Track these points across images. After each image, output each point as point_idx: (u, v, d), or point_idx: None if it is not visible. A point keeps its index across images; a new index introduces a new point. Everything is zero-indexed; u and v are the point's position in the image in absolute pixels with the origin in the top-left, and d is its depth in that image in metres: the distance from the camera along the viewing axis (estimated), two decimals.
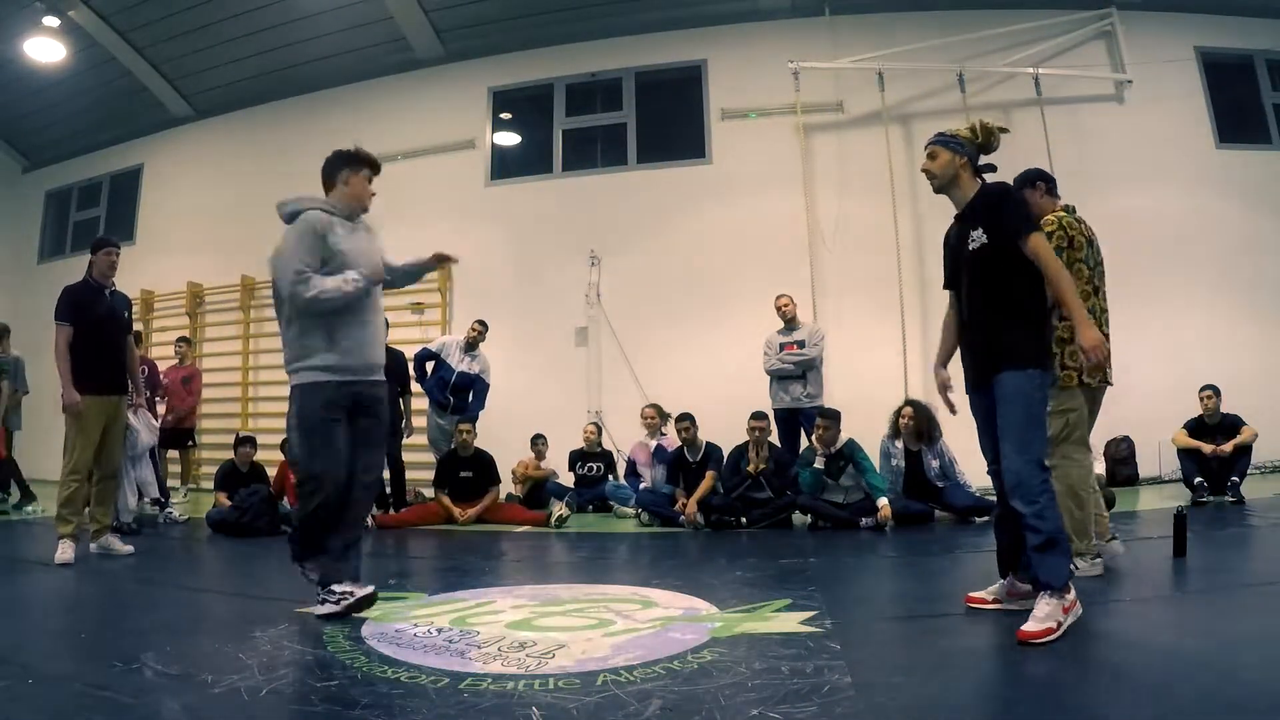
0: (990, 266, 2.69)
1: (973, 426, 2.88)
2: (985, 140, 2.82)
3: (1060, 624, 2.41)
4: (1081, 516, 3.30)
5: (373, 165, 3.22)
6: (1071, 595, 2.50)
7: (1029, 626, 2.39)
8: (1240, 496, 5.61)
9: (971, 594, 2.91)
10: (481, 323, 6.95)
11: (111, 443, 4.65)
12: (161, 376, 7.61)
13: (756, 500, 5.64)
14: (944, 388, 2.99)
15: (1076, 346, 2.62)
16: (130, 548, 4.62)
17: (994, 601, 2.83)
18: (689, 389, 7.12)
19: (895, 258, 7.54)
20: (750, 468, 5.67)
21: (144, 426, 5.76)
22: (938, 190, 2.86)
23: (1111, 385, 3.50)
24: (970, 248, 2.72)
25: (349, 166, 3.18)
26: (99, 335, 4.53)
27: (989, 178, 2.83)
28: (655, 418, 6.56)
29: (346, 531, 3.12)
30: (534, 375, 8.23)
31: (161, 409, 7.41)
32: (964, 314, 2.84)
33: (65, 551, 4.29)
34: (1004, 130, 2.86)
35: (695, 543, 5.10)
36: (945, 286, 3.02)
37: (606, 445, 7.30)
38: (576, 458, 7.00)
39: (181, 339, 8.32)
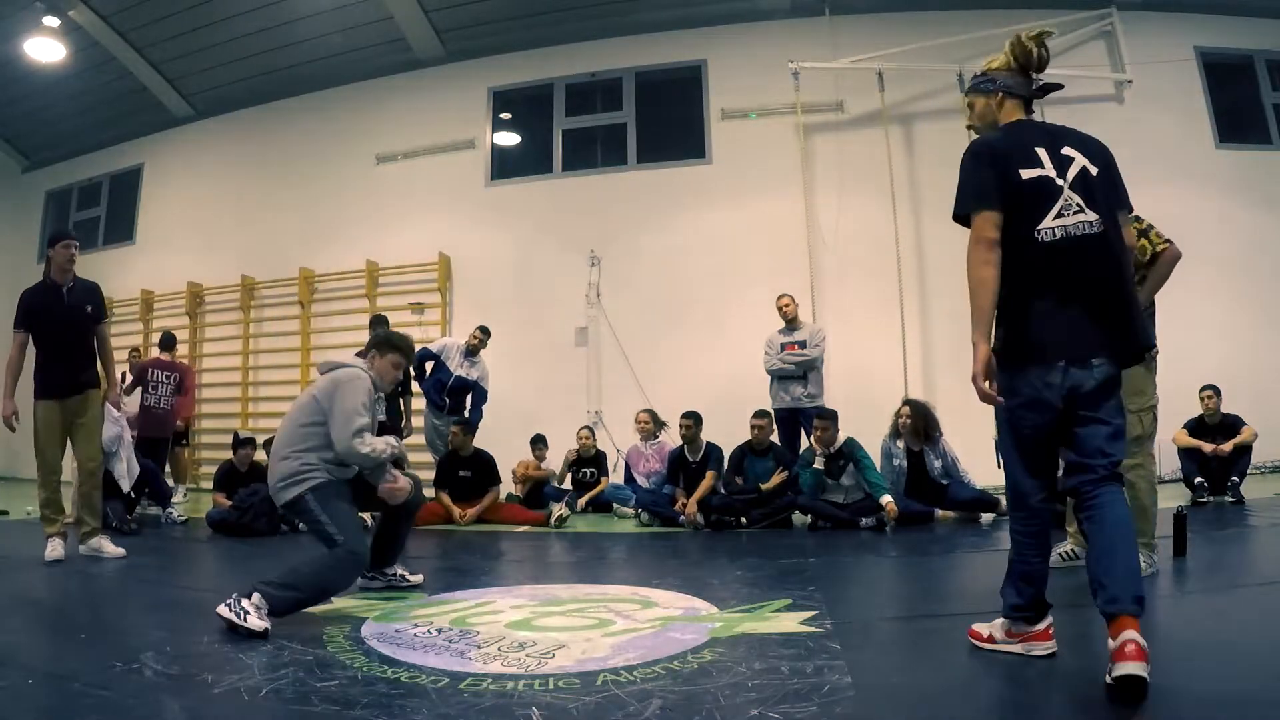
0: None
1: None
2: (1024, 59, 2.32)
3: (998, 645, 2.31)
4: (1155, 512, 3.33)
5: (404, 354, 3.53)
6: (1034, 629, 2.26)
7: (977, 625, 2.40)
8: (1240, 496, 5.61)
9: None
10: (483, 329, 6.93)
11: (84, 442, 4.54)
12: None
13: (757, 500, 5.63)
14: None
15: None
16: (121, 550, 4.51)
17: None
18: (689, 389, 7.13)
19: (895, 257, 7.54)
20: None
21: (107, 420, 5.36)
22: None
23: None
24: None
25: (378, 349, 3.51)
26: (58, 337, 4.43)
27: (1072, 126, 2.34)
28: (649, 423, 6.55)
29: None
30: (534, 375, 8.24)
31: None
32: None
33: (55, 549, 4.33)
34: (1047, 34, 2.37)
35: (695, 543, 5.10)
36: None
37: (606, 446, 7.29)
38: (571, 463, 6.97)
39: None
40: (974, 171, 2.21)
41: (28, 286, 4.54)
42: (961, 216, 2.22)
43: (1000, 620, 2.36)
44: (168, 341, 7.52)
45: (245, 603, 2.77)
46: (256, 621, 2.71)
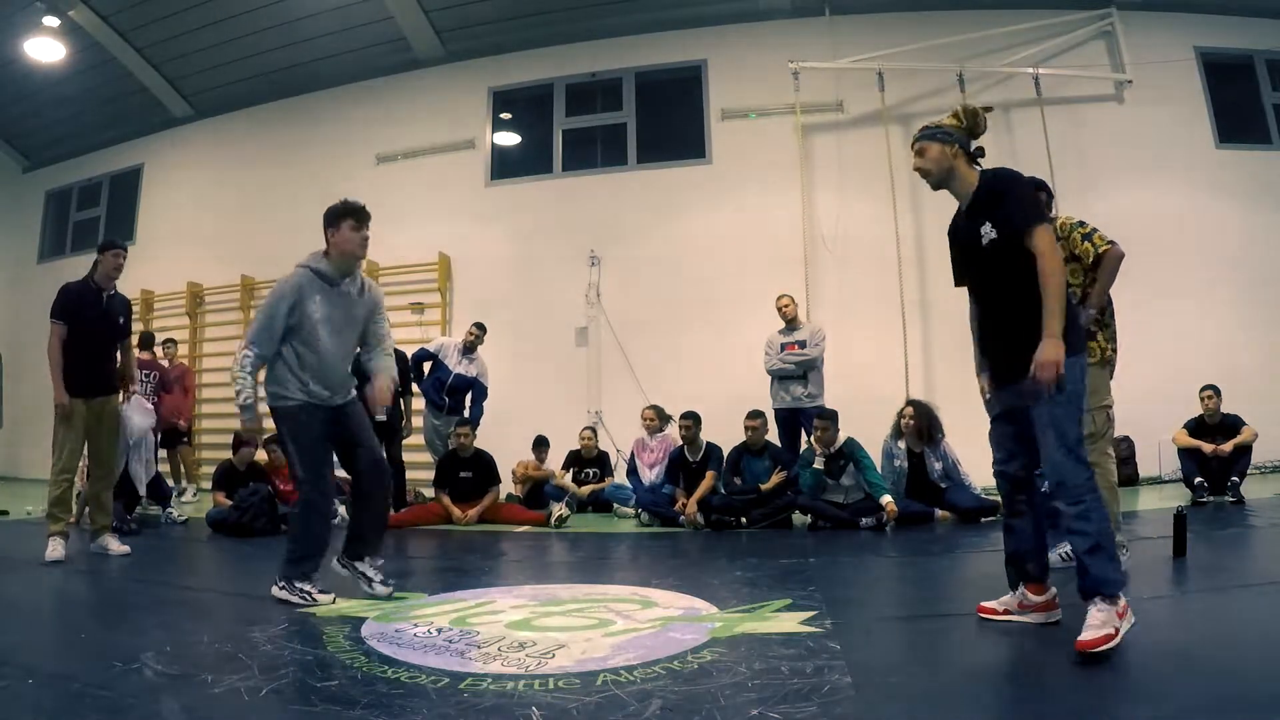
0: (1007, 262, 2.53)
1: (975, 428, 2.83)
2: (972, 124, 2.68)
3: (1118, 630, 2.25)
4: (1117, 512, 3.35)
5: (355, 214, 3.35)
6: (1124, 601, 2.32)
7: (1087, 636, 2.23)
8: (1240, 496, 5.61)
9: (983, 604, 2.76)
10: (479, 325, 6.94)
11: (104, 444, 4.65)
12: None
13: (757, 500, 5.63)
14: (985, 393, 2.80)
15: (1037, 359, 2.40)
16: (126, 548, 4.61)
17: (1004, 612, 2.70)
18: (689, 389, 7.12)
19: (895, 257, 7.54)
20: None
21: (136, 411, 5.53)
22: (936, 186, 2.72)
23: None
24: (983, 241, 2.58)
25: (330, 224, 3.37)
26: (90, 338, 4.51)
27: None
28: (655, 419, 6.56)
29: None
30: (534, 375, 8.23)
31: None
32: (982, 310, 2.73)
33: (55, 549, 4.35)
34: (988, 109, 2.74)
35: (695, 543, 5.10)
36: (957, 283, 2.83)
37: (606, 445, 7.29)
38: (571, 461, 6.96)
39: (168, 340, 8.35)
40: (1032, 191, 2.66)
41: (69, 282, 4.62)
42: (1039, 220, 2.51)
43: (1106, 603, 2.30)
44: (146, 341, 7.53)
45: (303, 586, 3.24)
46: (321, 595, 3.23)
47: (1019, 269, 2.49)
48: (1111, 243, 3.38)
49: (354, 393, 3.49)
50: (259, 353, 3.26)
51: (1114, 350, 3.50)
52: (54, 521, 4.42)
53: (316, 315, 3.31)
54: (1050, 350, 2.37)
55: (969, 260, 2.70)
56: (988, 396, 2.78)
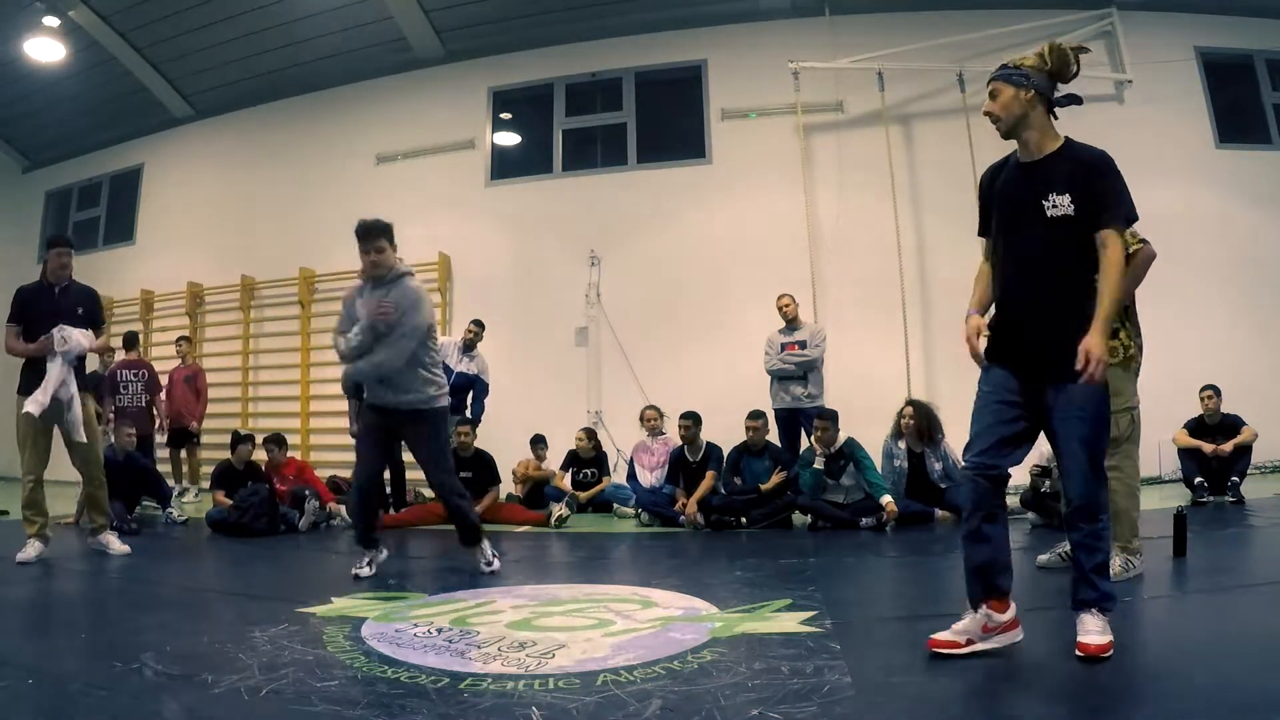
0: (1070, 243, 2.29)
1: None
2: (1058, 67, 2.37)
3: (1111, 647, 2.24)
4: (1137, 516, 3.32)
5: (359, 235, 3.85)
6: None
7: (1091, 640, 2.22)
8: (1240, 496, 5.61)
9: (935, 637, 2.39)
10: (477, 323, 6.94)
11: (85, 445, 4.53)
12: (161, 377, 7.63)
13: (757, 500, 5.63)
14: (978, 332, 2.44)
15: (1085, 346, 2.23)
16: (126, 548, 4.60)
17: (967, 644, 2.35)
18: (689, 389, 7.11)
19: (896, 257, 7.53)
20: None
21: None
22: (1005, 135, 2.43)
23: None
24: (1048, 213, 2.31)
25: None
26: (40, 335, 4.37)
27: (1072, 126, 2.40)
28: (656, 419, 6.56)
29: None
30: (534, 375, 8.24)
31: (163, 409, 7.44)
32: (1020, 280, 2.39)
33: (27, 550, 4.32)
34: (1083, 50, 2.41)
35: (695, 543, 5.10)
36: (982, 233, 2.56)
37: (606, 446, 7.29)
38: (570, 462, 6.95)
39: (182, 338, 8.34)
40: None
41: (23, 284, 4.60)
42: (1129, 222, 2.41)
43: (1101, 615, 2.29)
44: (131, 341, 7.52)
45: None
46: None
47: (1079, 250, 2.30)
48: (1144, 241, 3.27)
49: (425, 405, 3.87)
50: (341, 330, 3.91)
51: (1138, 349, 3.39)
52: (28, 524, 4.39)
53: (358, 314, 3.86)
54: (1103, 344, 2.21)
55: (1014, 216, 2.41)
56: (984, 360, 2.45)
